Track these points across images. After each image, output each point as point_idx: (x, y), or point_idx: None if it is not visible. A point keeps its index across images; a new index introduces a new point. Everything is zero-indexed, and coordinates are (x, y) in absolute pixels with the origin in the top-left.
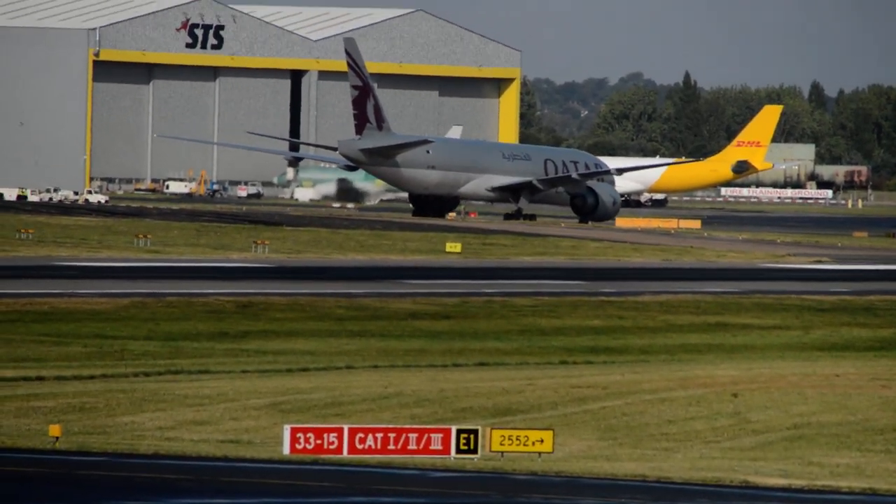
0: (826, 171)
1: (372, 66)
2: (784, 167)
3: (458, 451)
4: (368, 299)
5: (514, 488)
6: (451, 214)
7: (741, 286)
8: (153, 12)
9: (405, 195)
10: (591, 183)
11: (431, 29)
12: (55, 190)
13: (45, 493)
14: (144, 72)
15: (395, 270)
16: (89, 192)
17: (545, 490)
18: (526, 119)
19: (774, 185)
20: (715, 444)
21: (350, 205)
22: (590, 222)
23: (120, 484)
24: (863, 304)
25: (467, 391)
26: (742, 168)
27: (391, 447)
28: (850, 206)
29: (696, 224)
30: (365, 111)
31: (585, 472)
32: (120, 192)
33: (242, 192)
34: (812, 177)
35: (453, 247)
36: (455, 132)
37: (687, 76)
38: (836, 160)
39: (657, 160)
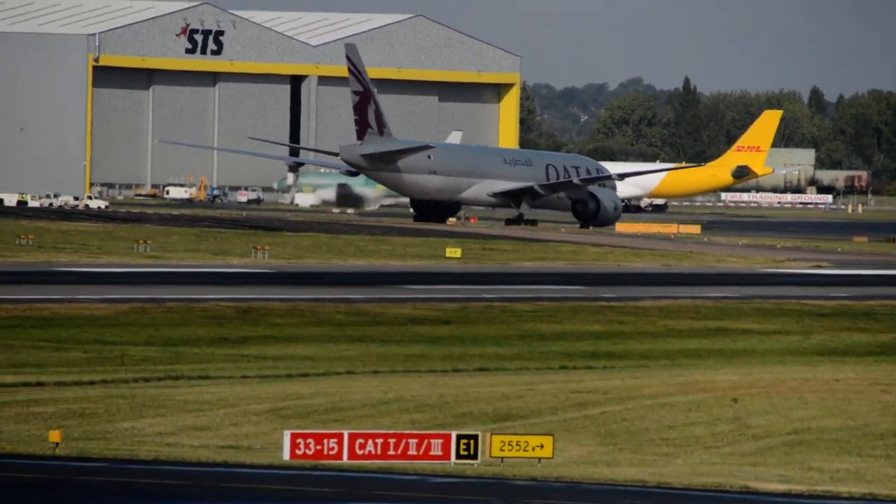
0: (826, 176)
1: (371, 72)
2: (784, 172)
3: (458, 456)
4: (368, 304)
5: (514, 494)
6: (451, 220)
7: (741, 291)
8: (153, 18)
9: (405, 200)
10: (593, 188)
11: (431, 34)
12: (55, 195)
13: (45, 498)
14: (144, 77)
15: (395, 276)
16: (89, 198)
17: (545, 495)
18: (526, 124)
19: (774, 190)
20: (715, 450)
21: (350, 210)
22: (591, 227)
23: (120, 490)
24: (863, 309)
25: (467, 396)
26: (742, 173)
27: (391, 453)
28: (850, 210)
29: (696, 229)
30: (366, 117)
31: (585, 477)
32: (120, 198)
33: (242, 197)
34: (812, 182)
35: (453, 252)
36: (455, 137)
37: (687, 81)
38: (836, 165)
39: (657, 165)
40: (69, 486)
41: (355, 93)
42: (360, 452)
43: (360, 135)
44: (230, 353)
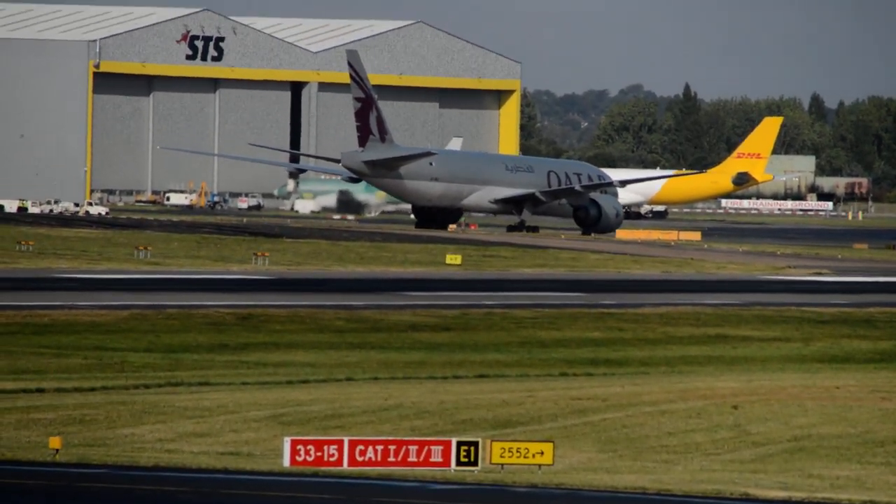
0: (826, 182)
1: (372, 78)
2: (784, 179)
3: (459, 463)
4: (368, 311)
5: (514, 500)
6: (452, 226)
7: (741, 298)
8: (153, 24)
9: (405, 207)
10: (595, 195)
11: (432, 41)
12: (55, 202)
13: None
14: (145, 83)
15: (395, 282)
16: (90, 204)
17: (545, 502)
18: (526, 131)
19: (775, 196)
20: (715, 457)
21: (350, 216)
22: (593, 234)
23: (120, 496)
24: (863, 317)
25: (467, 403)
26: (742, 180)
27: (391, 459)
28: (850, 217)
29: (697, 236)
30: (368, 123)
31: (586, 484)
32: (120, 204)
33: (243, 203)
34: (812, 188)
35: (453, 259)
36: (455, 144)
37: (687, 88)
38: (836, 172)
39: (658, 172)
40: (69, 492)
41: (357, 99)
42: (360, 459)
43: (362, 141)
44: (230, 359)
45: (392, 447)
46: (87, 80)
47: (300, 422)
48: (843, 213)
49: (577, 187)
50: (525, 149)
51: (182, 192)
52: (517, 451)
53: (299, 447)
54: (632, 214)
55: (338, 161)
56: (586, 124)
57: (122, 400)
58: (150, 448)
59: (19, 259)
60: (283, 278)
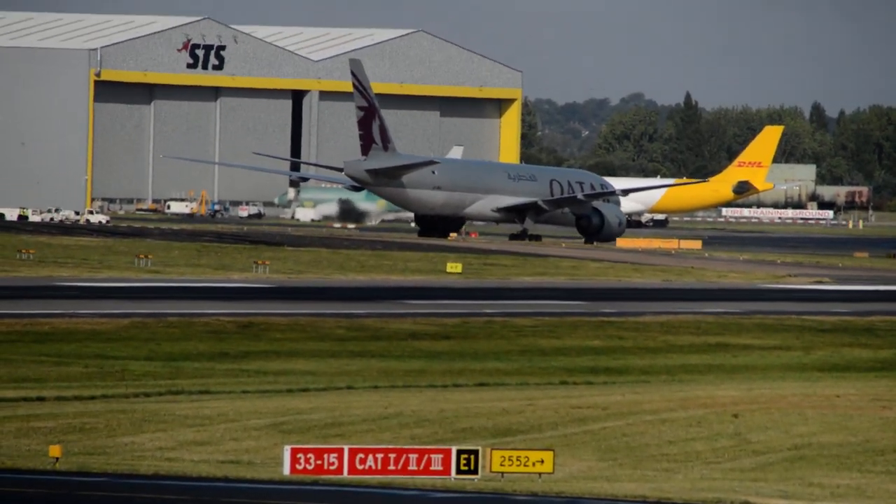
0: (827, 191)
1: (373, 87)
2: (785, 188)
3: (459, 471)
4: (369, 319)
5: None
6: (453, 235)
7: (742, 307)
8: (154, 33)
9: (406, 215)
10: (597, 203)
11: (432, 49)
12: (56, 210)
13: None
14: (145, 92)
15: (395, 291)
16: (90, 213)
17: None
18: (527, 139)
19: (775, 205)
20: (715, 465)
21: (351, 225)
22: (595, 243)
23: None
24: (863, 325)
25: (467, 412)
26: (743, 188)
27: (391, 468)
28: (850, 226)
29: (697, 244)
30: (371, 132)
31: (586, 492)
32: (121, 213)
33: (243, 212)
34: (813, 197)
35: (454, 267)
36: (456, 152)
37: (688, 97)
38: (837, 181)
39: (659, 181)
40: (69, 500)
41: (360, 108)
42: (360, 467)
43: (365, 150)
44: (231, 367)
45: (392, 455)
46: (88, 89)
47: (300, 430)
48: (844, 222)
49: (580, 196)
50: (526, 157)
51: (183, 200)
52: (517, 460)
53: (299, 455)
54: (632, 223)
55: (340, 170)
56: (587, 133)
57: (123, 408)
58: (150, 456)
59: (20, 267)
60: (283, 286)
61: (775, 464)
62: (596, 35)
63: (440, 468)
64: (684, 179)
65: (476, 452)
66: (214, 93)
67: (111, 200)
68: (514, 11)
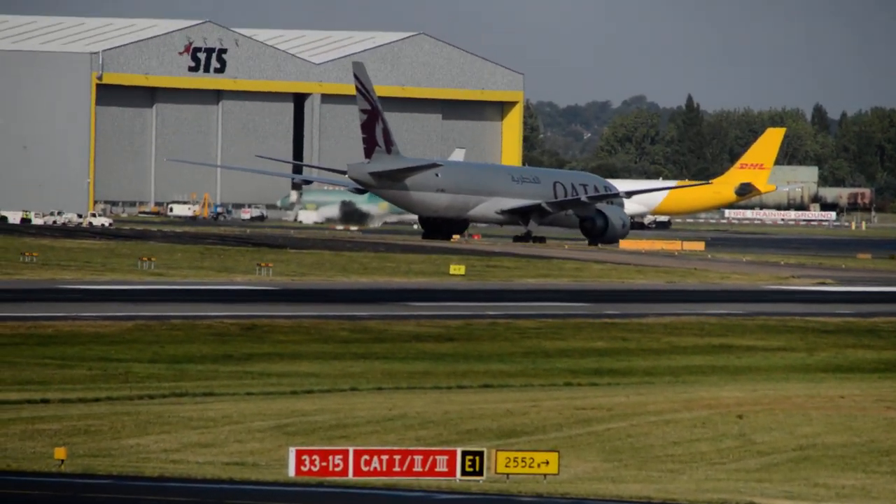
0: (829, 193)
1: (375, 90)
2: (787, 189)
3: (464, 473)
4: (372, 321)
5: None
6: (455, 237)
7: (745, 308)
8: (156, 36)
9: (409, 217)
10: (601, 205)
11: (434, 52)
12: (59, 213)
13: None
14: (147, 95)
15: (398, 293)
16: (93, 215)
17: None
18: (529, 142)
19: (778, 207)
20: (720, 466)
21: (354, 227)
22: (599, 245)
23: None
24: (867, 326)
25: (472, 413)
26: (745, 190)
27: (396, 469)
28: (853, 228)
29: (700, 246)
30: (374, 134)
31: (591, 493)
32: (124, 215)
33: (246, 214)
34: (815, 199)
35: (457, 269)
36: (458, 155)
37: (690, 99)
38: (839, 182)
39: (662, 183)
40: (75, 502)
41: (363, 111)
42: (365, 469)
43: (368, 153)
44: (235, 369)
45: (397, 457)
46: (90, 92)
47: (305, 432)
48: (847, 224)
49: (584, 198)
50: (528, 160)
51: (185, 203)
52: (522, 461)
53: (304, 457)
54: (635, 225)
55: (343, 172)
56: (589, 135)
57: (127, 410)
58: (154, 458)
59: (23, 270)
60: (286, 289)
61: (780, 464)
62: (598, 38)
63: (445, 470)
64: (687, 181)
65: (481, 454)
66: (216, 96)
67: (113, 203)
68: (516, 14)
